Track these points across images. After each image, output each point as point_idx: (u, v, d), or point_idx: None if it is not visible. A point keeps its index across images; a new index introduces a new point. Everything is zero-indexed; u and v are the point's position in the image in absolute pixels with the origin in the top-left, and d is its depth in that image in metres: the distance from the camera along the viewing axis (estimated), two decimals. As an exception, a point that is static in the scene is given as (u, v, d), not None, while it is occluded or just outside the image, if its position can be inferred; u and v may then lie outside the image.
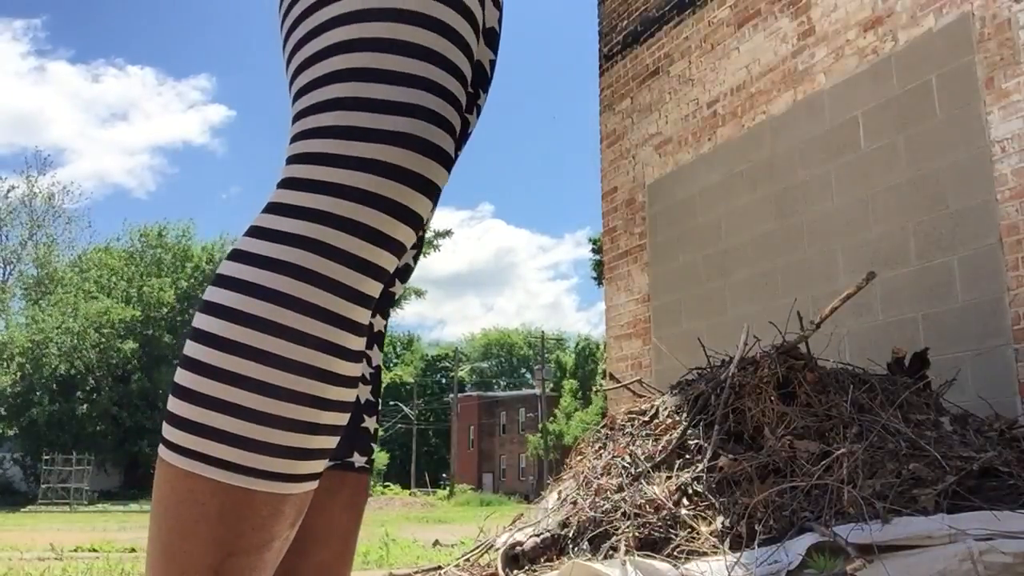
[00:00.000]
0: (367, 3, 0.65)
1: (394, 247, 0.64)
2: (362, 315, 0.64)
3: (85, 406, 35.78)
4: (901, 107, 4.69)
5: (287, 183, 0.64)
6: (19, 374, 35.04)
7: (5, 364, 35.29)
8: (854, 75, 5.02)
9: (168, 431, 0.62)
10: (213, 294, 0.63)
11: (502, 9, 0.99)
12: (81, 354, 35.31)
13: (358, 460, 0.92)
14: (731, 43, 6.05)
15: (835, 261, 4.99)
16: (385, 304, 0.98)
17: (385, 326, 0.99)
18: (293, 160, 0.65)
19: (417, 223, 0.65)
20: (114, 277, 39.32)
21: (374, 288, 0.64)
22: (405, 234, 0.64)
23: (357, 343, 0.64)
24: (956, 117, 4.37)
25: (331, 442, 0.64)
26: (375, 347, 0.96)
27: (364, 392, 0.94)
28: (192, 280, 40.79)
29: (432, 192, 0.65)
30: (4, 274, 40.79)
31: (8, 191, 40.04)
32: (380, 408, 0.97)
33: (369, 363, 0.95)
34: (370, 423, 0.94)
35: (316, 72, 0.66)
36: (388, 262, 0.64)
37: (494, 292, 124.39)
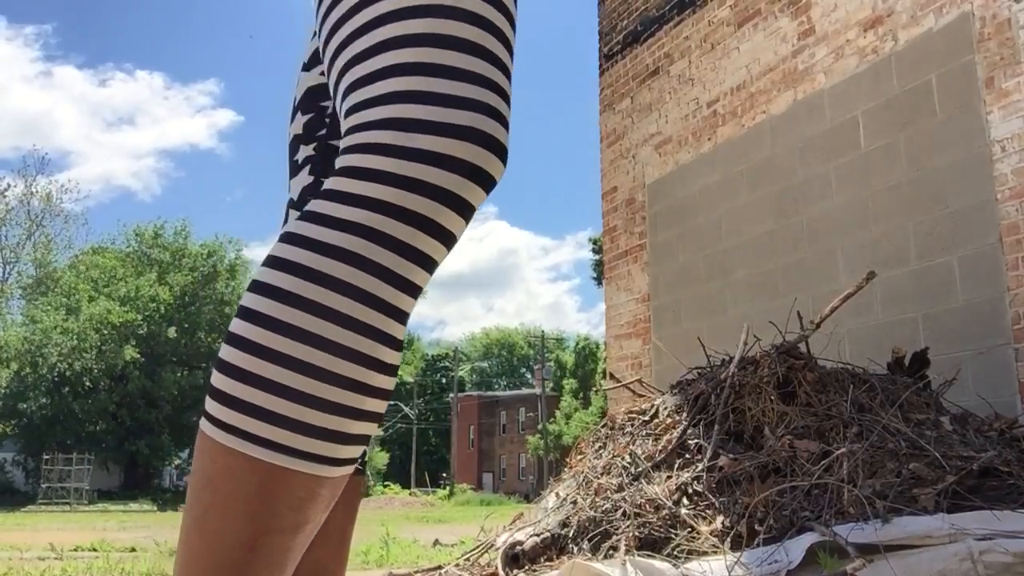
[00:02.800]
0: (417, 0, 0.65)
1: (448, 239, 0.64)
2: (409, 304, 0.64)
3: (85, 405, 35.78)
4: (901, 107, 4.69)
5: (345, 171, 0.64)
6: (17, 373, 35.04)
7: (4, 364, 35.30)
8: (854, 75, 5.02)
9: (211, 406, 0.62)
10: (265, 275, 0.63)
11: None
12: (81, 354, 35.32)
13: None
14: (731, 43, 6.05)
15: (835, 261, 4.99)
16: None
17: None
18: (351, 150, 0.64)
19: (471, 216, 0.65)
20: (111, 278, 39.30)
21: (423, 279, 0.64)
22: (460, 227, 0.65)
23: (401, 332, 0.65)
24: (956, 117, 4.37)
25: (372, 428, 0.64)
26: None
27: None
28: (189, 279, 40.77)
29: (490, 186, 0.65)
30: (3, 274, 40.81)
31: (6, 190, 40.05)
32: None
33: None
34: None
35: (372, 66, 0.65)
36: (440, 254, 0.64)
37: (495, 293, 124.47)
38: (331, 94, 0.75)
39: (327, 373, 0.60)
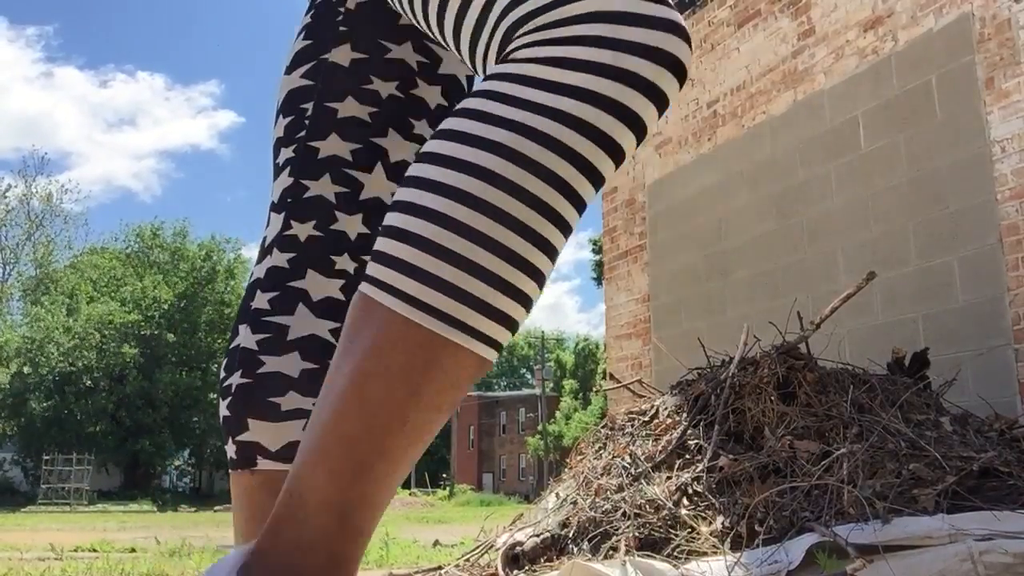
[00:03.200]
0: None
1: (618, 155, 0.63)
2: (573, 217, 0.63)
3: (85, 406, 35.78)
4: (901, 107, 4.69)
5: (549, 61, 0.62)
6: (17, 373, 35.05)
7: (4, 364, 35.31)
8: (854, 75, 5.02)
9: (390, 275, 0.60)
10: (459, 151, 0.61)
11: None
12: (81, 354, 35.32)
13: None
14: (731, 43, 6.05)
15: (835, 261, 4.99)
16: None
17: None
18: (553, 43, 0.62)
19: (643, 135, 0.65)
20: (109, 278, 39.31)
21: (589, 193, 0.63)
22: (629, 144, 0.64)
23: (561, 240, 0.64)
24: (956, 117, 4.37)
25: (522, 319, 0.64)
26: None
27: (306, 403, 0.94)
28: (188, 279, 40.79)
29: (664, 103, 0.65)
30: (3, 274, 40.82)
31: (6, 190, 40.06)
32: None
33: None
34: None
35: None
36: (608, 168, 0.63)
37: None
38: (433, 21, 0.74)
39: (512, 254, 0.60)
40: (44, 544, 6.10)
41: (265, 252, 0.98)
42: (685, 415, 3.27)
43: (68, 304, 36.99)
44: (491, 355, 0.62)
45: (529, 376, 66.96)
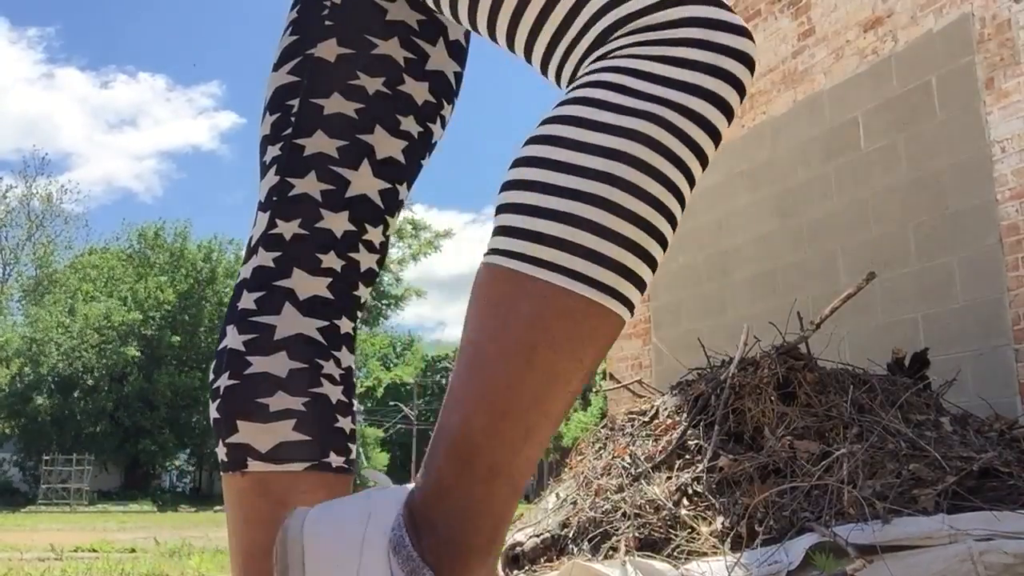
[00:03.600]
0: None
1: (718, 141, 0.72)
2: (687, 192, 0.70)
3: (85, 406, 35.78)
4: (901, 107, 4.70)
5: (657, 59, 0.68)
6: (17, 372, 35.06)
7: (4, 364, 35.31)
8: (854, 75, 5.02)
9: (542, 250, 0.64)
10: (586, 135, 0.66)
11: None
12: (81, 354, 35.33)
13: (335, 460, 0.92)
14: (731, 43, 6.06)
15: (835, 261, 4.99)
16: (352, 306, 0.98)
17: (354, 329, 0.99)
18: (658, 43, 0.69)
19: (731, 123, 0.74)
20: (108, 278, 39.33)
21: (698, 173, 0.72)
22: (724, 132, 0.72)
23: (681, 181, 0.70)
24: (956, 117, 4.37)
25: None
26: (344, 348, 0.96)
27: (336, 393, 0.93)
28: (189, 280, 40.80)
29: (743, 97, 0.75)
30: (3, 274, 40.83)
31: (7, 191, 40.08)
32: (355, 409, 0.98)
33: (339, 364, 0.95)
34: (344, 423, 0.94)
35: None
36: (711, 153, 0.72)
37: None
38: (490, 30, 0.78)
39: (649, 226, 0.65)
40: (44, 544, 6.10)
41: (251, 252, 0.97)
42: (685, 415, 3.27)
43: (69, 304, 36.99)
44: (629, 317, 0.68)
45: (529, 376, 66.76)
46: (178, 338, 39.22)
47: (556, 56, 0.76)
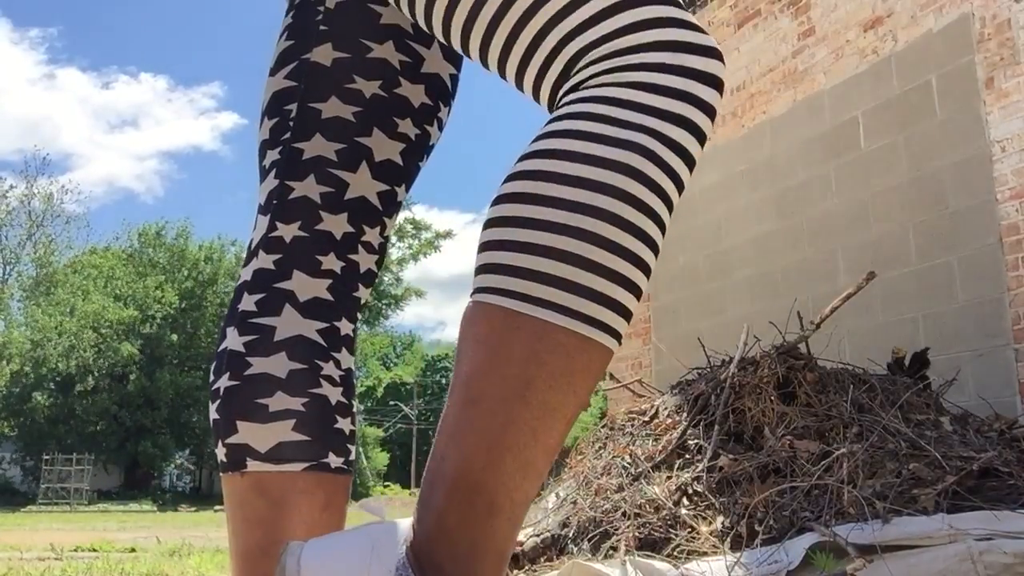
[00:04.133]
0: None
1: (693, 166, 0.72)
2: (666, 217, 0.71)
3: (85, 405, 35.79)
4: (901, 107, 4.70)
5: (630, 84, 0.68)
6: (18, 371, 35.08)
7: (4, 363, 35.31)
8: (854, 75, 5.02)
9: (537, 288, 0.64)
10: (567, 167, 0.66)
11: None
12: (79, 354, 35.32)
13: (334, 461, 0.92)
14: (731, 43, 6.05)
15: (835, 261, 4.99)
16: (351, 308, 0.99)
17: (354, 330, 1.00)
18: (627, 69, 0.69)
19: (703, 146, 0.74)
20: (111, 279, 39.33)
21: (675, 198, 0.71)
22: (697, 156, 0.72)
23: (661, 208, 0.70)
24: (956, 117, 4.37)
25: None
26: (343, 350, 0.97)
27: (335, 394, 0.94)
28: (190, 280, 40.80)
29: (713, 119, 0.73)
30: (3, 274, 40.84)
31: (7, 191, 40.09)
32: (354, 410, 0.98)
33: (339, 366, 0.95)
34: (344, 424, 0.94)
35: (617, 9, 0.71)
36: (687, 178, 0.72)
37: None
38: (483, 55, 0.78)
39: (635, 257, 0.67)
40: (44, 544, 6.10)
41: (252, 254, 0.98)
42: (685, 415, 3.27)
43: (70, 304, 37.00)
44: (617, 348, 0.69)
45: (529, 376, 66.77)
46: (179, 338, 39.24)
47: (528, 78, 0.76)
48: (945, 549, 2.11)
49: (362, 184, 0.97)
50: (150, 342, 38.42)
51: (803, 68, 5.41)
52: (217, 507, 27.03)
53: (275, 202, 0.97)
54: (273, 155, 0.98)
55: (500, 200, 0.68)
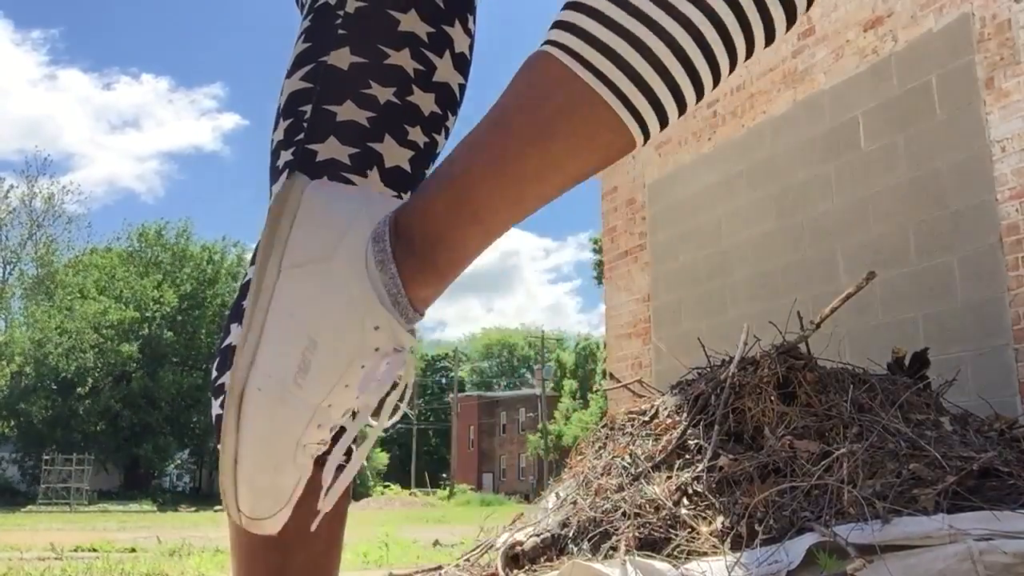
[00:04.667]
0: None
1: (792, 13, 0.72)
2: (743, 51, 0.71)
3: (85, 405, 35.79)
4: (901, 107, 4.69)
5: None
6: (19, 372, 35.07)
7: (5, 363, 35.31)
8: (854, 75, 5.02)
9: (595, 56, 0.67)
10: None
11: (473, 37, 1.04)
12: (80, 354, 35.31)
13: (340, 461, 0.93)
14: (731, 43, 6.05)
15: (835, 261, 4.99)
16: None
17: None
18: None
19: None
20: (112, 279, 39.33)
21: (760, 37, 0.71)
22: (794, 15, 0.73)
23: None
24: (956, 117, 4.37)
25: (671, 120, 0.73)
26: None
27: None
28: (191, 280, 40.80)
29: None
30: (4, 274, 40.84)
31: (8, 191, 40.09)
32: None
33: None
34: None
35: None
36: (772, 32, 0.71)
37: (496, 295, 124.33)
38: None
39: (692, 67, 0.68)
40: (44, 544, 6.10)
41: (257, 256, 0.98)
42: (685, 415, 3.27)
43: (70, 304, 37.00)
44: (642, 144, 0.72)
45: (529, 376, 66.98)
46: (179, 337, 39.22)
47: None
48: (945, 549, 2.11)
49: (372, 190, 0.97)
50: (150, 342, 38.42)
51: (803, 68, 5.41)
52: (217, 507, 27.02)
53: None
54: (287, 155, 0.98)
55: None
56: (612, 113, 0.67)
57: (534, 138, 0.68)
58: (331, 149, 0.96)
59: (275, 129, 1.02)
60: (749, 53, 0.73)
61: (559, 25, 0.70)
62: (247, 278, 0.97)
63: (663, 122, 0.70)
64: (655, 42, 0.67)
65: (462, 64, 1.03)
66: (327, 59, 0.97)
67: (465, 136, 0.72)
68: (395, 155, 0.98)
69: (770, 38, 0.72)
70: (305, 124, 0.98)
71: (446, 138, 1.05)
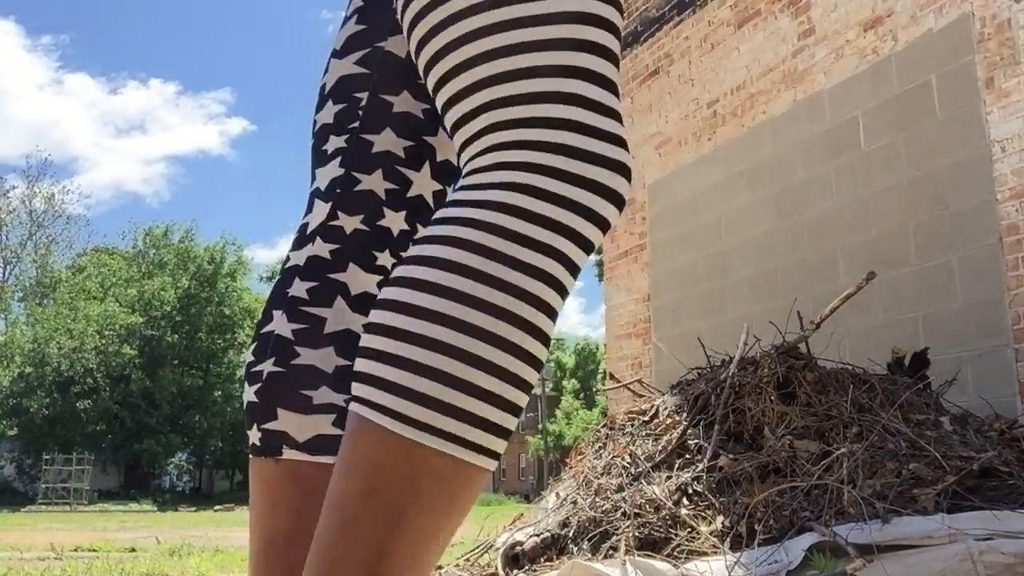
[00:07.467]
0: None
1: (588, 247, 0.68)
2: (550, 327, 0.68)
3: (85, 405, 35.78)
4: (901, 107, 4.69)
5: (514, 166, 0.66)
6: (19, 373, 35.06)
7: (5, 363, 35.30)
8: (854, 75, 5.02)
9: (406, 406, 0.62)
10: (437, 276, 0.64)
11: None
12: (81, 355, 35.32)
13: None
14: (731, 43, 6.05)
15: (835, 261, 4.99)
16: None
17: None
18: (512, 147, 0.66)
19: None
20: (113, 278, 39.33)
21: (559, 306, 0.68)
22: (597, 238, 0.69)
23: (552, 331, 0.68)
24: (956, 117, 4.37)
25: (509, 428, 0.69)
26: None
27: (338, 399, 0.93)
28: (194, 281, 40.80)
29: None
30: (4, 274, 40.84)
31: (8, 191, 40.10)
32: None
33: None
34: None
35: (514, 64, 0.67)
36: (573, 273, 0.68)
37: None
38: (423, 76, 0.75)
39: (510, 374, 0.64)
40: (44, 544, 6.10)
41: (306, 239, 0.96)
42: (685, 415, 3.27)
43: (71, 304, 36.99)
44: (494, 467, 0.66)
45: (529, 376, 66.78)
46: (179, 338, 39.22)
47: (449, 122, 0.73)
48: (945, 549, 2.11)
49: (422, 183, 0.97)
50: (151, 342, 38.42)
51: (803, 68, 5.41)
52: (217, 507, 27.02)
53: (338, 191, 0.95)
54: (338, 142, 0.97)
55: (381, 305, 0.66)
56: (450, 458, 0.62)
57: (388, 529, 0.62)
58: (387, 141, 0.95)
59: (320, 110, 1.00)
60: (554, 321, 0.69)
61: (356, 378, 0.65)
62: (292, 263, 0.96)
63: (503, 434, 0.65)
64: (455, 366, 0.62)
65: None
66: (384, 45, 0.95)
67: (316, 548, 0.65)
68: (445, 148, 0.97)
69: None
70: (360, 112, 0.96)
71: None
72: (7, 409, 35.36)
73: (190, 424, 39.84)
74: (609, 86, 0.68)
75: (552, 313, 0.66)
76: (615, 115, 0.68)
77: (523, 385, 0.64)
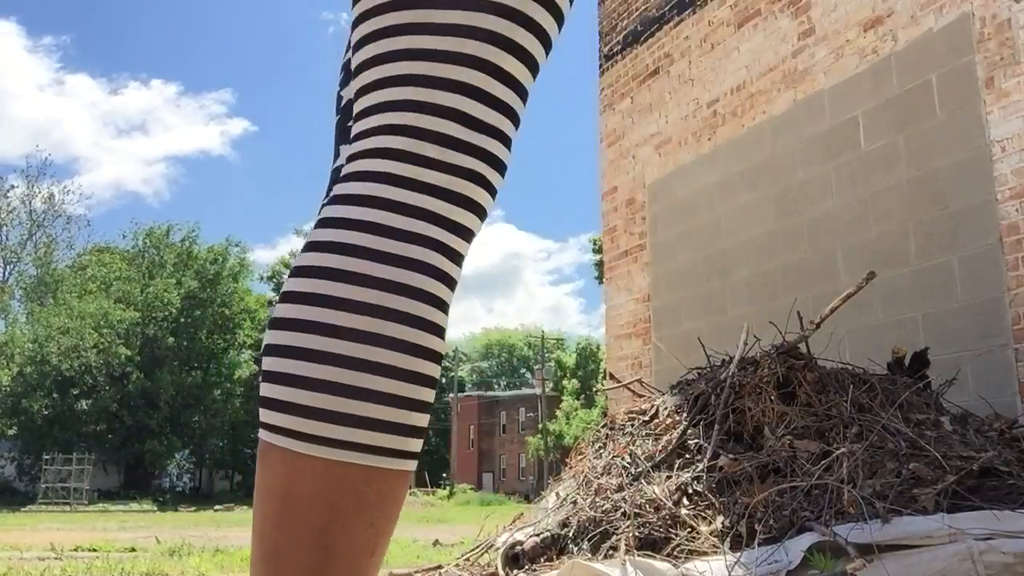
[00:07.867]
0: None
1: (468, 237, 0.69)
2: (444, 320, 0.67)
3: (85, 405, 35.78)
4: (901, 107, 4.69)
5: (379, 177, 0.65)
6: (19, 372, 35.06)
7: (5, 363, 35.30)
8: (854, 75, 5.02)
9: (298, 423, 0.61)
10: (328, 288, 0.63)
11: None
12: (81, 354, 35.31)
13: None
14: (731, 43, 6.05)
15: (835, 261, 4.99)
16: None
17: None
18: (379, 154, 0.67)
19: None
20: (114, 278, 39.31)
21: (450, 292, 0.68)
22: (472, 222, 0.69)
23: (443, 319, 0.67)
24: (956, 117, 4.37)
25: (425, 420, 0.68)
26: None
27: None
28: (195, 281, 40.79)
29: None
30: (4, 274, 40.84)
31: (8, 190, 40.10)
32: None
33: None
34: None
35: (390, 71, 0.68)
36: (453, 283, 0.68)
37: (496, 295, 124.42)
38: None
39: (410, 373, 0.62)
40: (44, 544, 6.10)
41: None
42: (685, 415, 3.27)
43: (71, 304, 36.98)
44: (413, 467, 0.65)
45: (529, 376, 66.94)
46: (179, 338, 39.20)
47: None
48: (945, 549, 2.11)
49: None
50: (151, 342, 38.40)
51: (803, 68, 5.41)
52: (217, 507, 27.03)
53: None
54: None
55: (270, 324, 0.65)
56: (357, 467, 0.61)
57: (313, 552, 0.60)
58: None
59: (344, 85, 0.97)
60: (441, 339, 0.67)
61: (260, 403, 0.65)
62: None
63: (414, 432, 0.64)
64: (348, 375, 0.60)
65: None
66: None
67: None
68: None
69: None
70: None
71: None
72: (7, 409, 35.33)
73: (190, 424, 39.83)
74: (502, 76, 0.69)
75: (431, 299, 0.64)
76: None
77: (416, 378, 0.62)
